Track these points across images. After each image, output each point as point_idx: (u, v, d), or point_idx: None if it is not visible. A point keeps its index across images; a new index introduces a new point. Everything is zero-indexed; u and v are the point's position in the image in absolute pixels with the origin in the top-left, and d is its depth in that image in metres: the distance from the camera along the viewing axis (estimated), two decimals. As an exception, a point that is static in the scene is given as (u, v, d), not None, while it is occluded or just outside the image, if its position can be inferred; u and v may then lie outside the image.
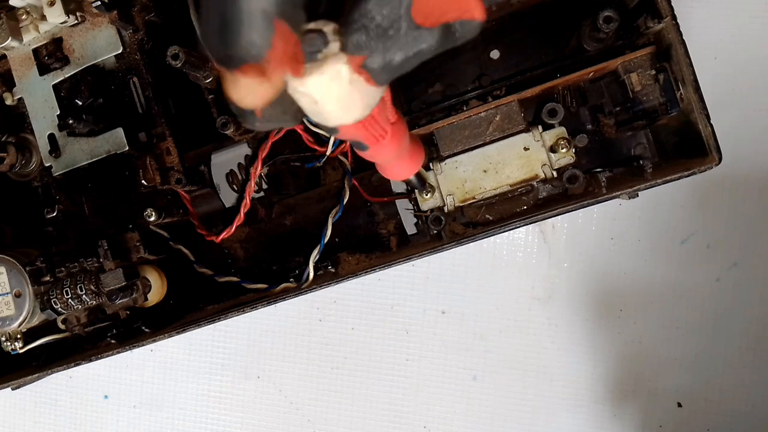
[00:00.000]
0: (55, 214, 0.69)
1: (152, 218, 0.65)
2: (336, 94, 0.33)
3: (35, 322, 0.66)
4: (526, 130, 0.62)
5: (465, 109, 0.64)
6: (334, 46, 0.32)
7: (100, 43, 0.65)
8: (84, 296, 0.64)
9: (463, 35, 0.32)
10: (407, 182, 0.60)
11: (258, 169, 0.67)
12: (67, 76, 0.66)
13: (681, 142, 0.63)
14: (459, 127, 0.63)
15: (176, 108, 0.69)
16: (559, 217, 0.71)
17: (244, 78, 0.31)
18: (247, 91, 0.31)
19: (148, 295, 0.66)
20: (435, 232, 0.65)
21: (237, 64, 0.30)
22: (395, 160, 0.52)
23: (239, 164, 0.70)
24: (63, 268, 0.65)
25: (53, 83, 0.66)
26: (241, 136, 0.66)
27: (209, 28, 0.30)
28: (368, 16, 0.31)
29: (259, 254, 0.74)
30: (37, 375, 0.70)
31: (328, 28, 0.32)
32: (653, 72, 0.60)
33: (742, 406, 0.84)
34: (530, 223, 0.63)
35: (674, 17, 0.57)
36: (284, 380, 0.94)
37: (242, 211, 0.67)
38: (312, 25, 0.32)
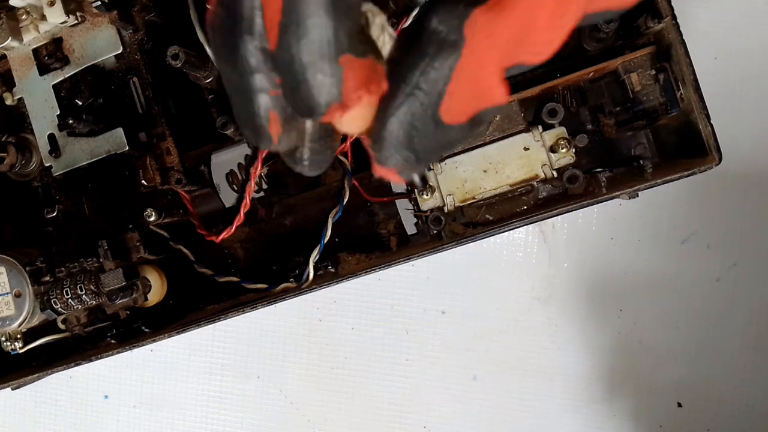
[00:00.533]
0: (55, 214, 0.69)
1: (152, 218, 0.65)
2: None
3: (35, 322, 0.66)
4: (526, 130, 0.62)
5: (465, 109, 0.64)
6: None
7: (100, 43, 0.65)
8: (84, 296, 0.64)
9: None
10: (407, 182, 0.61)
11: (258, 169, 0.67)
12: (67, 76, 0.66)
13: (681, 142, 0.63)
14: (459, 127, 0.63)
15: (176, 108, 0.69)
16: (559, 217, 0.71)
17: (331, 122, 0.30)
18: (341, 127, 0.31)
19: (148, 295, 0.66)
20: (435, 232, 0.65)
21: (321, 112, 0.30)
22: None
23: (239, 164, 0.70)
24: (63, 268, 0.65)
25: (53, 83, 0.66)
26: (241, 136, 0.66)
27: (285, 88, 0.30)
28: (396, 129, 0.30)
29: (259, 254, 0.74)
30: (37, 375, 0.70)
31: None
32: (653, 72, 0.60)
33: (742, 406, 0.84)
34: (530, 223, 0.63)
35: (674, 17, 0.57)
36: (284, 380, 0.94)
37: (242, 211, 0.67)
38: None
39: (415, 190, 0.63)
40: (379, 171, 0.33)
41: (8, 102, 0.68)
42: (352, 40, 0.29)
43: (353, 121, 0.31)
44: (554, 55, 0.31)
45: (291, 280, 0.68)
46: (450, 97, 0.30)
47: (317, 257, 0.67)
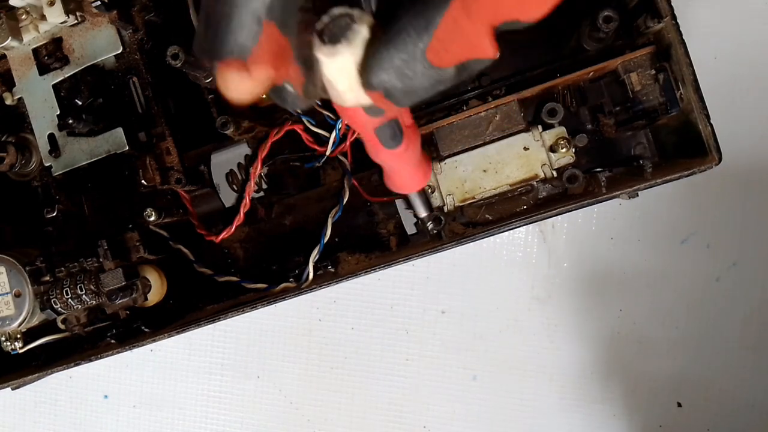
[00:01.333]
0: (55, 214, 0.68)
1: (152, 218, 0.65)
2: (350, 72, 0.34)
3: (35, 322, 0.66)
4: (526, 130, 0.62)
5: (465, 108, 0.64)
6: (360, 27, 0.33)
7: (100, 43, 0.65)
8: (84, 296, 0.64)
9: (477, 70, 0.34)
10: (408, 199, 0.62)
11: (258, 169, 0.66)
12: (67, 76, 0.66)
13: (681, 141, 0.63)
14: (459, 126, 0.63)
15: (176, 108, 0.69)
16: (559, 217, 0.71)
17: (229, 72, 0.32)
18: (233, 85, 0.33)
19: (148, 295, 0.66)
20: (435, 231, 0.65)
21: (220, 57, 0.31)
22: (404, 167, 0.52)
23: (239, 164, 0.70)
24: (63, 268, 0.65)
25: (53, 83, 0.66)
26: (240, 136, 0.66)
27: (201, 21, 0.32)
28: (386, 61, 0.32)
29: (259, 254, 0.74)
30: (37, 375, 0.70)
31: (357, 13, 0.33)
32: (653, 72, 0.60)
33: (742, 406, 0.84)
34: (530, 223, 0.63)
35: (674, 17, 0.57)
36: (284, 380, 0.94)
37: (242, 211, 0.67)
38: (341, 10, 0.33)
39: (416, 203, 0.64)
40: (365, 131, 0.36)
41: (8, 102, 0.68)
42: (285, 12, 0.31)
43: (240, 84, 0.32)
44: (547, 15, 0.33)
45: (291, 280, 0.68)
46: (437, 42, 0.32)
47: (317, 257, 0.67)
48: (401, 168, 0.53)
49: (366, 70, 0.33)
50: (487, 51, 0.32)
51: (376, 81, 0.33)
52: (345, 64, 0.34)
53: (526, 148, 0.62)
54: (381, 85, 0.33)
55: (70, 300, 0.64)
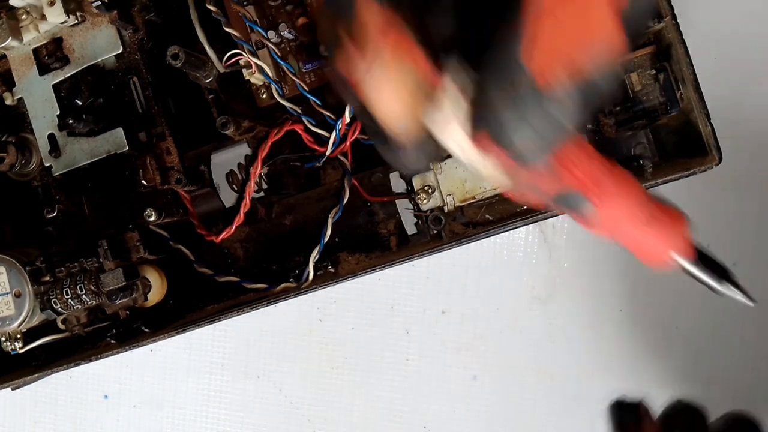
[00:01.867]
0: (55, 214, 0.68)
1: (152, 218, 0.65)
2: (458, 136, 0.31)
3: (35, 322, 0.66)
4: (526, 130, 0.62)
5: (465, 108, 0.64)
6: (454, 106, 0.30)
7: (100, 43, 0.65)
8: (84, 296, 0.64)
9: (606, 83, 0.25)
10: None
11: (258, 169, 0.66)
12: (67, 76, 0.66)
13: (681, 141, 0.63)
14: (459, 126, 0.63)
15: (176, 108, 0.69)
16: (559, 217, 0.71)
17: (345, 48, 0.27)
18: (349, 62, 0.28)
19: (148, 295, 0.66)
20: (435, 232, 0.65)
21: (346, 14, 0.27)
22: (624, 234, 0.39)
23: (239, 164, 0.70)
24: (63, 268, 0.65)
25: (53, 83, 0.66)
26: (241, 136, 0.66)
27: None
28: (487, 96, 0.26)
29: (259, 254, 0.74)
30: (37, 375, 0.70)
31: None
32: (653, 72, 0.60)
33: (742, 406, 0.84)
34: (530, 223, 0.63)
35: (674, 17, 0.57)
36: (284, 380, 0.94)
37: (242, 211, 0.67)
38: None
39: (415, 191, 0.63)
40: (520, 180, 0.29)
41: (8, 102, 0.68)
42: None
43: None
44: None
45: (291, 280, 0.68)
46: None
47: (317, 257, 0.67)
48: (623, 235, 0.39)
49: (481, 114, 0.28)
50: (613, 34, 0.23)
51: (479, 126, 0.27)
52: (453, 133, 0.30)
53: (526, 148, 0.62)
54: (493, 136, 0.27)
55: (70, 300, 0.64)
